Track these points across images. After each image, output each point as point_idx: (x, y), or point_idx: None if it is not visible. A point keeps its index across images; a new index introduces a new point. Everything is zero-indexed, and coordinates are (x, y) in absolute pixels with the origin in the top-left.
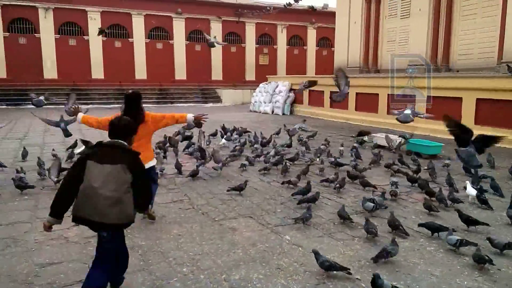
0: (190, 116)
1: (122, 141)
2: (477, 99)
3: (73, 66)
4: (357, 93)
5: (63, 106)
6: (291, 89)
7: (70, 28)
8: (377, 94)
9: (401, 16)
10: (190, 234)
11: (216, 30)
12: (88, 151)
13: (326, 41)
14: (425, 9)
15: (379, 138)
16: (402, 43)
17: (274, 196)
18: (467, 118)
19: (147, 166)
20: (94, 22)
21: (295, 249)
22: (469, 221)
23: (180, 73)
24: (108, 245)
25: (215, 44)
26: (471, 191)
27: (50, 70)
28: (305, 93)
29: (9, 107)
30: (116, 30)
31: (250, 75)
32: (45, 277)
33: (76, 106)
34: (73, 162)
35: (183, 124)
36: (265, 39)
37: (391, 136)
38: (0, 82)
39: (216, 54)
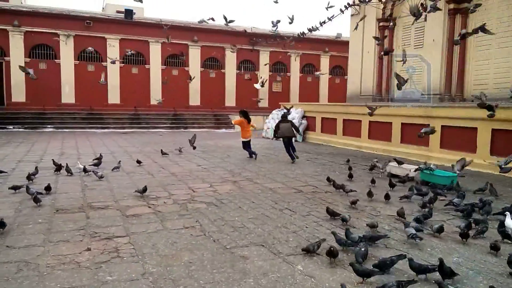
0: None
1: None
2: (493, 129)
3: (90, 91)
4: (370, 122)
5: (74, 131)
6: (303, 116)
7: (90, 54)
8: (391, 123)
9: (414, 46)
10: (201, 261)
11: (230, 58)
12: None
13: (339, 70)
14: (439, 39)
15: (393, 167)
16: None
17: (286, 225)
18: (482, 148)
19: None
20: (113, 49)
21: (307, 279)
22: None
23: (194, 99)
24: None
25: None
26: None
27: (68, 95)
28: (318, 121)
29: (27, 130)
30: (133, 57)
31: (263, 102)
32: None
33: None
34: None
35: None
36: (279, 67)
37: (406, 165)
38: (19, 106)
39: (230, 81)
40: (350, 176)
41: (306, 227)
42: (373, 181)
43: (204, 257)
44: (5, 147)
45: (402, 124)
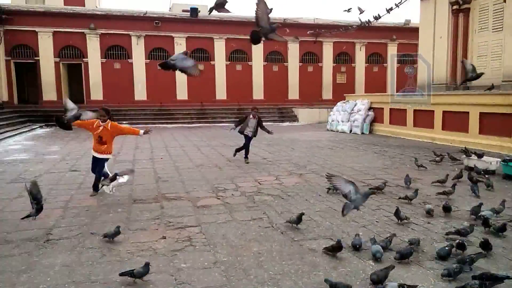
0: (140, 132)
1: None
2: None
3: (160, 88)
4: (444, 112)
5: (150, 126)
6: (370, 108)
7: (159, 53)
8: (467, 113)
9: (493, 29)
10: (270, 253)
11: (293, 50)
12: None
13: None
14: None
15: (472, 160)
16: (495, 58)
17: (355, 219)
18: None
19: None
20: (180, 47)
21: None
22: None
23: (258, 93)
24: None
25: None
26: None
27: (140, 92)
28: (386, 112)
29: None
30: (199, 54)
31: (327, 94)
32: (137, 286)
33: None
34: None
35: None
36: (343, 58)
37: (487, 158)
38: (97, 103)
39: (293, 74)
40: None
41: (377, 221)
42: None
43: (273, 249)
44: (86, 142)
45: (481, 113)
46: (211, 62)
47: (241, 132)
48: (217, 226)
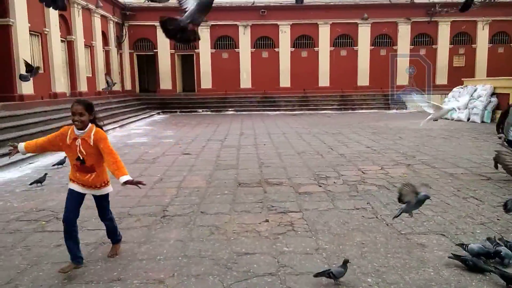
0: (122, 179)
1: None
2: None
3: (264, 76)
4: None
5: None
6: (493, 94)
7: (264, 41)
8: None
9: None
10: (374, 244)
11: (403, 33)
12: None
13: None
14: None
15: None
16: None
17: (471, 215)
18: None
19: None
20: (285, 35)
21: (496, 277)
22: None
23: (363, 79)
24: None
25: None
26: None
27: (245, 81)
28: None
29: (213, 113)
30: (303, 41)
31: (441, 79)
32: (242, 265)
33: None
34: None
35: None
36: (461, 38)
37: None
38: (207, 92)
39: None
40: None
41: (498, 219)
42: None
43: (377, 240)
44: (196, 128)
45: None
46: (314, 48)
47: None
48: (319, 213)
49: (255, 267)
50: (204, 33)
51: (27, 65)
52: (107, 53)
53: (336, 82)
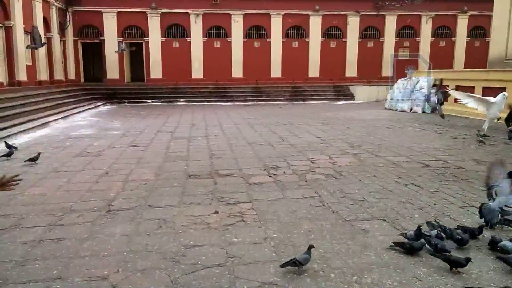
0: None
1: None
2: None
3: (216, 66)
4: None
5: (202, 104)
6: (434, 85)
7: (216, 31)
8: None
9: None
10: (320, 231)
11: (353, 25)
12: None
13: (478, 31)
14: None
15: None
16: None
17: (411, 200)
18: None
19: None
20: (237, 24)
21: (434, 258)
22: None
23: (314, 70)
24: None
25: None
26: None
27: (197, 71)
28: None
29: (163, 104)
30: (255, 31)
31: (387, 71)
32: (190, 258)
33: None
34: None
35: None
36: (406, 32)
37: None
38: (156, 82)
39: (351, 50)
40: None
41: (435, 204)
42: None
43: (323, 227)
44: (145, 119)
45: None
46: (267, 39)
47: None
48: (268, 203)
49: (203, 259)
50: (154, 21)
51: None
52: (48, 40)
53: (288, 73)
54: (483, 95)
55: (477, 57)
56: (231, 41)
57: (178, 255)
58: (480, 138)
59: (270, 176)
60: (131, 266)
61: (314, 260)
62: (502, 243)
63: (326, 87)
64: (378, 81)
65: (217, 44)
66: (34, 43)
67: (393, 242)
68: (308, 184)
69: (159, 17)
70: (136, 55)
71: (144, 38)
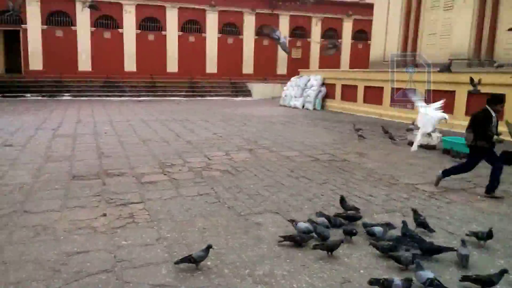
0: None
1: None
2: None
3: (107, 59)
4: (392, 89)
5: (90, 99)
6: (323, 84)
7: (105, 21)
8: (414, 90)
9: (444, 7)
10: (215, 227)
11: (249, 23)
12: None
13: (362, 34)
14: (470, 0)
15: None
16: (444, 36)
17: (301, 192)
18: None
19: None
20: (129, 15)
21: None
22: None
23: (211, 66)
24: None
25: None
26: None
27: (85, 63)
28: (338, 88)
29: (45, 98)
30: (149, 23)
31: (282, 69)
32: (72, 266)
33: None
34: None
35: None
36: (299, 32)
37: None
38: (36, 74)
39: (248, 47)
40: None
41: (322, 195)
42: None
43: (218, 223)
44: (22, 115)
45: (426, 91)
46: (162, 32)
47: None
48: (162, 202)
49: (88, 265)
50: (33, 6)
51: None
52: None
53: (185, 68)
54: (364, 93)
55: (360, 59)
56: (122, 33)
57: (59, 263)
58: (360, 133)
59: (165, 174)
60: (3, 279)
61: (208, 257)
62: (369, 228)
63: (224, 84)
64: (273, 78)
65: (107, 35)
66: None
67: (281, 236)
68: (204, 180)
69: (39, 3)
70: (12, 44)
71: (22, 25)
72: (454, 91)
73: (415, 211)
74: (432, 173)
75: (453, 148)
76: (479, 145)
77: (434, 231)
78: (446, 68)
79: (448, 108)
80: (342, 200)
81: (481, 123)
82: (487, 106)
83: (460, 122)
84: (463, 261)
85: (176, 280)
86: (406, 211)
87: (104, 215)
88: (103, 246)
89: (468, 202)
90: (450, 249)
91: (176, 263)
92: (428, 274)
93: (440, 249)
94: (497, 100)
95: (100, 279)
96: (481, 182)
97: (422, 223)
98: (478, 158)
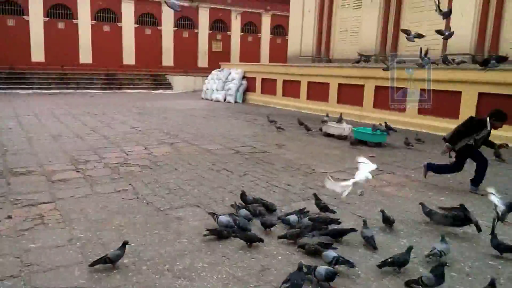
0: None
1: None
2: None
3: (11, 48)
4: (308, 82)
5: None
6: (244, 77)
7: (5, 6)
8: (328, 84)
9: (353, 6)
10: (133, 224)
11: (167, 14)
12: None
13: (280, 29)
14: (376, 0)
15: (330, 127)
16: (354, 33)
17: (222, 185)
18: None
19: None
20: (35, 1)
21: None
22: None
23: (129, 57)
24: None
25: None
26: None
27: None
28: (258, 82)
29: None
30: (59, 10)
31: (203, 62)
32: None
33: None
34: None
35: None
36: (219, 25)
37: (344, 125)
38: None
39: (167, 39)
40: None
41: (243, 186)
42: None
43: (136, 220)
44: None
45: (339, 84)
46: (73, 20)
47: None
48: (75, 201)
49: None
50: None
51: None
52: None
53: (100, 59)
54: (283, 87)
55: (279, 53)
56: (28, 20)
57: None
58: (278, 125)
59: (78, 172)
60: None
61: (125, 255)
62: (283, 217)
63: (143, 76)
64: (195, 71)
65: (11, 22)
66: None
67: (207, 229)
68: (122, 177)
69: None
70: None
71: None
72: (363, 85)
73: (316, 196)
74: (344, 162)
75: (357, 137)
76: (457, 147)
77: (335, 211)
78: (356, 62)
79: (358, 101)
80: (243, 195)
81: (469, 128)
82: (487, 118)
83: (369, 113)
84: (370, 242)
85: (91, 281)
86: (322, 198)
87: (9, 217)
88: (9, 250)
89: (375, 187)
90: (353, 230)
91: (91, 265)
92: (332, 253)
93: (343, 231)
94: (502, 117)
95: (5, 285)
96: (387, 169)
97: (324, 207)
98: (463, 158)
